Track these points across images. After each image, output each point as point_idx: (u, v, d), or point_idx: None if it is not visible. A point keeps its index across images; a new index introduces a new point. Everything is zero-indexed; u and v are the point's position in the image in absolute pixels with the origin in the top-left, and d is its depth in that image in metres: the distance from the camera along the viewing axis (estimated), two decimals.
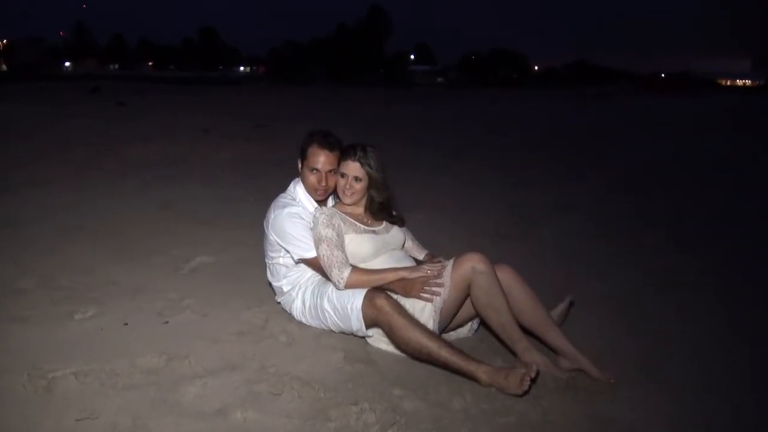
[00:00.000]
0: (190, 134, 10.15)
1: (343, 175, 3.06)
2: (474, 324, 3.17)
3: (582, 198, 6.79)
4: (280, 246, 3.08)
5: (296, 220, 3.03)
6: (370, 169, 3.04)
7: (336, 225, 2.98)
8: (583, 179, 7.96)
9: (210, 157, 8.67)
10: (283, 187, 3.26)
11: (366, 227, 3.10)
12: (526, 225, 5.60)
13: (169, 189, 6.38)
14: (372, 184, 3.09)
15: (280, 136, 10.71)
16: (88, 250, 4.29)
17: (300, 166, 3.16)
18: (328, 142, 3.06)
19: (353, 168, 3.04)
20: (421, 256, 3.35)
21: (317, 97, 23.46)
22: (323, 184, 3.07)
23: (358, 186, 3.06)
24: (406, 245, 3.36)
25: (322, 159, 3.04)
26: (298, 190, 3.17)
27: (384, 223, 3.21)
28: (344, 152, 3.07)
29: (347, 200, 3.09)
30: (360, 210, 3.18)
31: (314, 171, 3.06)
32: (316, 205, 3.14)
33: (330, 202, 3.32)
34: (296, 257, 3.04)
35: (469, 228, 5.36)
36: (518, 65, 73.89)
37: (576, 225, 5.67)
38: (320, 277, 3.13)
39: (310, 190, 3.11)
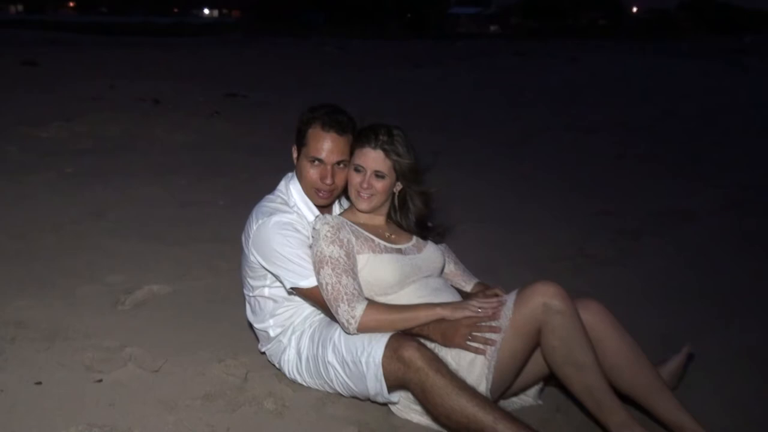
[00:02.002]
0: (133, 108, 10.26)
1: (358, 169, 3.08)
2: (543, 387, 3.16)
3: (704, 204, 6.74)
4: (266, 270, 3.11)
5: (289, 233, 3.05)
6: (398, 160, 3.06)
7: (345, 241, 2.99)
8: (706, 178, 7.89)
9: (161, 140, 8.77)
10: (268, 186, 3.29)
11: (388, 244, 3.12)
12: (622, 242, 5.58)
13: (102, 188, 6.44)
14: (401, 182, 3.11)
15: (264, 111, 10.79)
16: None
17: (295, 155, 3.19)
18: (337, 121, 3.08)
19: (374, 159, 3.06)
20: (468, 287, 3.35)
21: (316, 54, 23.57)
22: (329, 181, 3.09)
23: (380, 185, 3.08)
24: (446, 270, 3.37)
25: (327, 146, 3.06)
26: (292, 189, 3.19)
27: (414, 238, 3.23)
28: (360, 136, 3.09)
29: (363, 205, 3.11)
30: (380, 220, 3.20)
31: (316, 163, 3.08)
32: (317, 212, 3.17)
33: (337, 208, 3.34)
34: (288, 286, 3.06)
35: (537, 246, 5.35)
36: (608, 6, 73.55)
37: (695, 242, 5.63)
38: (322, 315, 3.15)
39: (310, 190, 3.14)
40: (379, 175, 3.06)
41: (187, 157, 7.97)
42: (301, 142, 3.14)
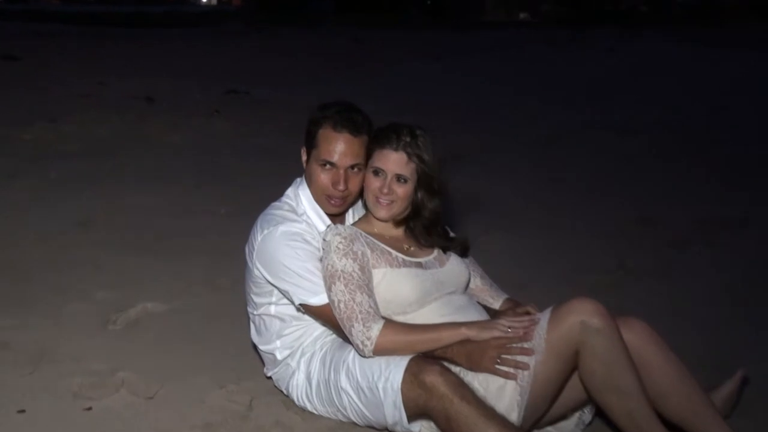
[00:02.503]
0: (124, 107, 10.28)
1: (377, 173, 3.07)
2: (585, 414, 3.14)
3: (757, 211, 6.69)
4: (272, 286, 3.11)
5: (297, 244, 3.04)
6: (421, 165, 3.05)
7: (359, 253, 2.98)
8: (759, 182, 7.84)
9: (156, 143, 8.77)
10: (275, 192, 3.29)
11: (407, 257, 3.11)
12: (666, 253, 5.56)
13: (91, 195, 6.47)
14: (423, 189, 3.11)
15: (268, 109, 10.80)
16: None
17: (305, 158, 3.19)
18: (351, 120, 3.07)
19: (395, 161, 3.04)
20: (497, 305, 3.34)
21: (324, 45, 23.58)
22: (341, 187, 3.08)
23: (401, 190, 3.06)
24: (471, 286, 3.36)
25: (340, 148, 3.05)
26: (301, 196, 3.19)
27: (435, 251, 3.22)
28: (380, 137, 3.08)
29: (382, 212, 3.09)
30: (398, 230, 3.19)
31: (327, 166, 3.07)
32: (328, 221, 3.17)
33: (350, 217, 3.34)
34: (297, 302, 3.05)
35: (572, 258, 5.34)
36: None
37: (747, 254, 5.60)
38: (334, 336, 3.15)
39: (321, 196, 3.13)
40: (400, 179, 3.04)
41: (184, 160, 7.98)
42: (310, 143, 3.14)
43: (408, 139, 3.03)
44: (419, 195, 3.11)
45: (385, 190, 3.05)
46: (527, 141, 9.69)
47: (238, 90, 12.30)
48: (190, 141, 8.91)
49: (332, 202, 3.12)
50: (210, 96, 11.67)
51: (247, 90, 12.37)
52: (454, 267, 3.20)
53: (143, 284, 4.55)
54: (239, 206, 5.83)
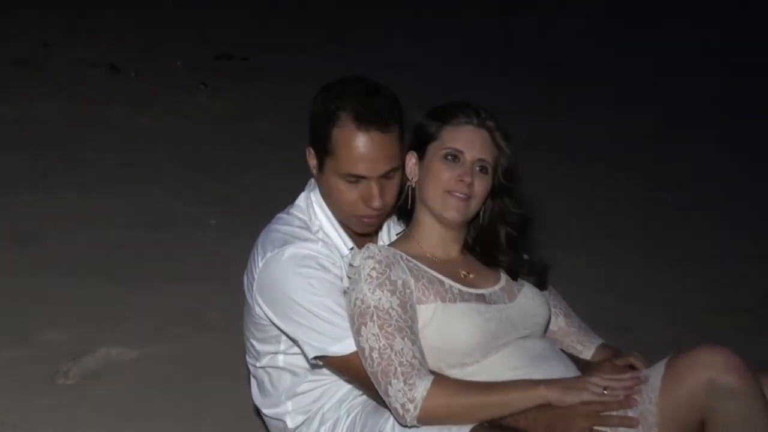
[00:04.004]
0: (78, 77, 10.35)
1: (452, 156, 2.99)
2: None
3: None
4: (279, 330, 3.10)
5: (311, 272, 3.01)
6: (505, 151, 3.05)
7: (399, 283, 2.95)
8: None
9: (121, 127, 8.82)
10: (282, 196, 3.30)
11: (465, 288, 3.09)
12: None
13: (31, 200, 6.51)
14: (505, 185, 3.09)
15: (273, 81, 10.84)
16: None
17: (314, 163, 3.11)
18: (377, 112, 2.95)
19: (478, 140, 3.01)
20: (588, 353, 3.33)
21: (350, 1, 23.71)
22: (377, 204, 2.99)
23: (481, 185, 3.01)
24: (553, 327, 3.36)
25: (369, 153, 2.95)
26: (314, 206, 3.16)
27: (502, 278, 3.20)
28: (451, 111, 3.05)
29: (453, 212, 3.00)
30: (453, 249, 3.17)
31: (351, 180, 2.99)
32: (350, 243, 3.14)
33: (383, 233, 3.32)
34: (312, 354, 3.01)
35: (691, 290, 5.32)
36: None
37: None
38: (364, 396, 3.14)
39: (348, 218, 3.09)
40: (483, 166, 3.01)
41: (160, 152, 8.02)
42: (322, 147, 3.02)
43: (486, 116, 3.04)
44: (498, 194, 3.10)
45: (468, 179, 2.97)
46: (626, 129, 9.64)
47: (232, 55, 12.32)
48: (167, 125, 8.93)
49: (365, 221, 3.08)
50: (195, 63, 11.67)
51: (245, 56, 12.40)
52: (529, 301, 3.17)
53: (105, 322, 4.57)
54: (234, 215, 5.86)
